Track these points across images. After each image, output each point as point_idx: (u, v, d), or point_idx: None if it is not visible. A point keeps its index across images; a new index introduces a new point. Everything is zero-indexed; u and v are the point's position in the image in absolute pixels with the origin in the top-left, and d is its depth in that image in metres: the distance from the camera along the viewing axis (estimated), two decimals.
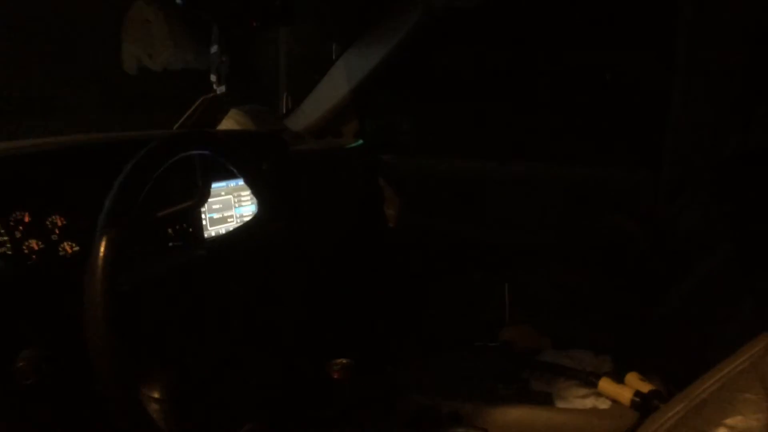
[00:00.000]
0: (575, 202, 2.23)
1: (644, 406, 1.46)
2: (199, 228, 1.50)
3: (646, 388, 1.49)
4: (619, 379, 1.55)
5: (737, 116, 2.00)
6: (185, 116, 1.63)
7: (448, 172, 2.38)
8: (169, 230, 1.47)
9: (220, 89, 1.59)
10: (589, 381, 1.56)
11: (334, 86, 2.36)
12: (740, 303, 1.59)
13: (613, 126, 2.43)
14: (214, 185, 1.52)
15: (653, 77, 2.37)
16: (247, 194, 1.62)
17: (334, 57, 2.41)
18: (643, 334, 1.80)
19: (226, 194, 1.57)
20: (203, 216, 1.51)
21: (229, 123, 2.04)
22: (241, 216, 1.61)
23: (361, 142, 2.36)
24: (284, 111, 2.48)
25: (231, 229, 1.57)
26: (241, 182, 1.55)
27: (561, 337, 1.82)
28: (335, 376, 1.69)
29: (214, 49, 1.58)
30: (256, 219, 1.45)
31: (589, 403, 1.53)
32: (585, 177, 2.27)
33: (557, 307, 1.97)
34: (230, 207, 1.58)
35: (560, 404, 1.55)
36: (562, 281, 2.02)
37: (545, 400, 1.57)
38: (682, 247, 1.96)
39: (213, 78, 1.60)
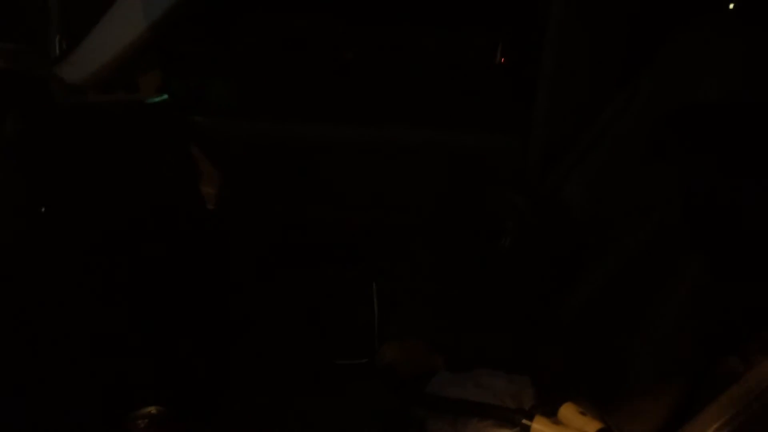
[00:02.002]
0: (445, 173, 1.83)
1: None
2: None
3: (592, 427, 1.10)
4: (550, 412, 1.15)
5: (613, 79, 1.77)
6: None
7: (284, 138, 1.87)
8: None
9: None
10: (516, 421, 1.13)
11: (124, 21, 1.73)
12: (672, 291, 1.25)
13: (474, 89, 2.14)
14: None
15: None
16: None
17: None
18: (551, 340, 1.41)
19: None
20: None
21: None
22: None
23: (165, 97, 1.76)
24: (57, 54, 1.82)
25: None
26: None
27: (452, 350, 1.38)
28: None
29: None
30: None
31: None
32: (452, 143, 1.89)
33: (440, 310, 1.53)
34: None
35: None
36: (441, 275, 1.60)
37: None
38: (575, 224, 1.62)
39: None
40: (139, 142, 1.50)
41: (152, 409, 1.16)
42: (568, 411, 1.15)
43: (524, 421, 1.13)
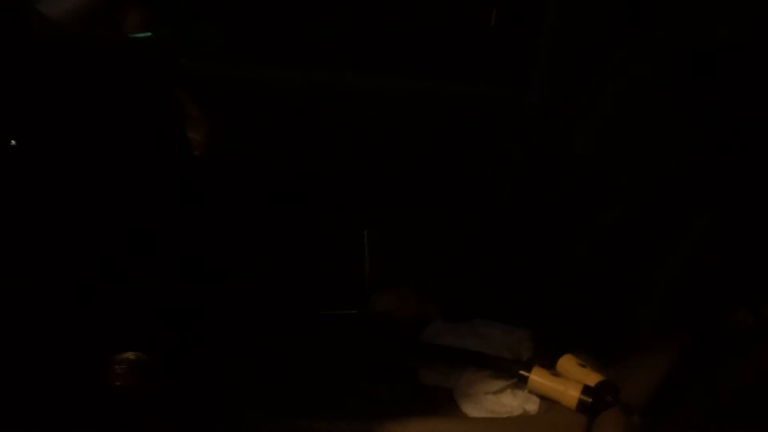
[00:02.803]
0: (442, 122, 1.76)
1: (594, 405, 1.02)
2: None
3: (592, 379, 1.05)
4: (549, 364, 1.10)
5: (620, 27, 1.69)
6: None
7: (276, 83, 1.79)
8: None
9: None
10: (514, 372, 1.08)
11: None
12: (679, 241, 1.20)
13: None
14: None
15: None
16: None
17: None
18: (551, 292, 1.36)
19: None
20: None
21: None
22: None
23: (149, 34, 1.67)
24: None
25: None
26: None
27: (448, 300, 1.33)
28: (117, 383, 1.09)
29: None
30: None
31: (508, 402, 1.06)
32: (450, 92, 1.82)
33: (436, 261, 1.48)
34: None
35: (468, 407, 1.06)
36: (436, 226, 1.55)
37: (445, 401, 1.08)
38: (578, 174, 1.56)
39: None
40: (119, 78, 1.42)
41: (130, 355, 1.10)
42: (567, 363, 1.11)
43: (522, 372, 1.08)
